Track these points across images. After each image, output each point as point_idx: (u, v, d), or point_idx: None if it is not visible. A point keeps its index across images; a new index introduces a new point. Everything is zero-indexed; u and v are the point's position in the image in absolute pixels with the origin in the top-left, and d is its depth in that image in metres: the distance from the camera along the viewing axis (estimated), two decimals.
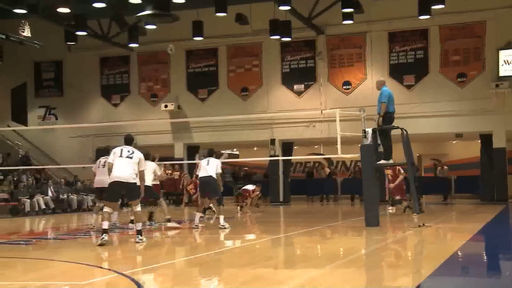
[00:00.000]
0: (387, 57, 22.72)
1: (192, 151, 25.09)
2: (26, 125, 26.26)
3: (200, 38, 22.57)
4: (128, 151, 9.41)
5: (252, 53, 24.39)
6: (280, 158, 23.11)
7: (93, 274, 7.00)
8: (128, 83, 25.90)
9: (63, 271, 7.45)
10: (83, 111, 25.98)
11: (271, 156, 23.45)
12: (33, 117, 26.76)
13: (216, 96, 24.63)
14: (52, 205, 19.63)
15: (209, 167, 11.89)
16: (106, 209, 9.28)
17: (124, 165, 9.21)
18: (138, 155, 9.44)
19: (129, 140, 9.76)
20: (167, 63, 25.28)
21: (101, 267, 7.30)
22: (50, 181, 21.33)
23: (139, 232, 9.34)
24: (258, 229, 11.65)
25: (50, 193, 20.03)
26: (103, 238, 9.10)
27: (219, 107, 23.72)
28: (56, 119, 26.66)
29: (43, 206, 19.13)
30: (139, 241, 9.25)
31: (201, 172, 12.00)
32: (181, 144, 24.76)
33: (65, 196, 20.49)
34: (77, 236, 11.70)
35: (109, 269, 6.99)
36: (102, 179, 11.24)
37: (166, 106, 24.25)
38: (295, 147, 25.52)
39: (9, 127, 24.91)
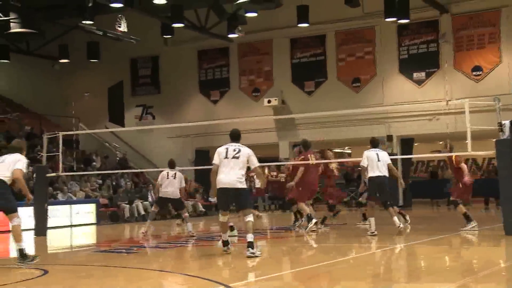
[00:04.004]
0: None
1: None
2: (123, 126, 27.49)
3: (306, 25, 22.52)
4: (234, 150, 9.23)
5: (364, 39, 24.03)
6: (399, 156, 22.53)
7: (196, 285, 7.18)
8: (227, 77, 26.45)
9: (164, 282, 7.74)
10: (181, 109, 26.86)
11: (388, 154, 22.91)
12: (130, 117, 28.05)
13: (324, 89, 24.52)
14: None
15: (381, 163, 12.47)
16: (221, 218, 9.22)
17: (229, 168, 9.08)
18: (246, 152, 9.27)
19: (235, 136, 9.51)
20: (270, 54, 25.52)
21: (204, 279, 7.47)
22: (150, 185, 22.19)
23: (250, 245, 8.91)
24: (375, 237, 11.44)
25: (149, 198, 20.79)
26: (225, 250, 9.42)
27: (327, 101, 23.58)
28: (153, 118, 27.77)
29: (142, 212, 19.97)
30: (251, 255, 8.87)
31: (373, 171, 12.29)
32: (286, 142, 24.90)
33: None
34: (179, 245, 12.14)
35: (214, 281, 7.14)
36: (167, 191, 13.05)
37: (269, 101, 24.49)
38: (416, 144, 24.80)
39: (107, 128, 26.24)
